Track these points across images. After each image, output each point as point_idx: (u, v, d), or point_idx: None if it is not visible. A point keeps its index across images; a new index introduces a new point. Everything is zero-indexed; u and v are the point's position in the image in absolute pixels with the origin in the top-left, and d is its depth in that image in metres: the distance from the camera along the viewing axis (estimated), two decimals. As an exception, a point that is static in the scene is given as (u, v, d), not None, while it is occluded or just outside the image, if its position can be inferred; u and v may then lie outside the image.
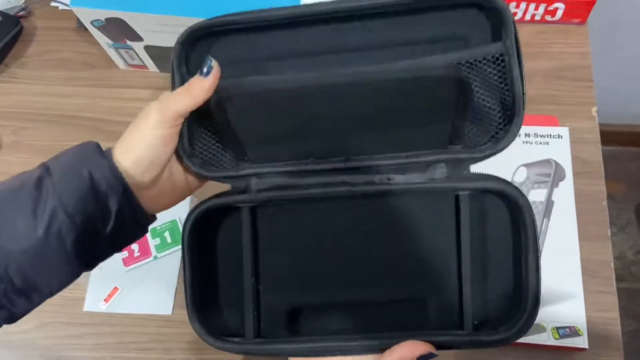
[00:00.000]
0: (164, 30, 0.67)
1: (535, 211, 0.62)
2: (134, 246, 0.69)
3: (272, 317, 0.43)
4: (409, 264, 0.42)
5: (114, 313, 0.67)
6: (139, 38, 0.70)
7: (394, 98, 0.39)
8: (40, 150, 0.74)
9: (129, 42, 0.72)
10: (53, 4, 0.84)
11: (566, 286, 0.60)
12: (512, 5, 0.74)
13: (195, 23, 0.40)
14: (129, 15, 0.66)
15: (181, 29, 0.66)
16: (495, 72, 0.38)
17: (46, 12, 0.85)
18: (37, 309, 0.67)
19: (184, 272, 0.42)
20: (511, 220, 0.41)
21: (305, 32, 0.40)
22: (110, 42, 0.73)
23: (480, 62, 0.37)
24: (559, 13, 0.75)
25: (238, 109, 0.40)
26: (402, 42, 0.40)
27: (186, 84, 0.39)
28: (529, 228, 0.39)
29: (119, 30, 0.69)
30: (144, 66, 0.78)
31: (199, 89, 0.38)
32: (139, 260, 0.68)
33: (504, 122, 0.39)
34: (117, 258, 0.68)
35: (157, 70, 0.78)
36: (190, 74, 0.40)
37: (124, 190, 0.38)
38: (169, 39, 0.70)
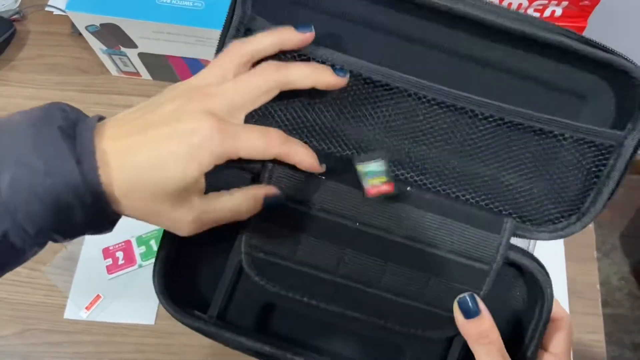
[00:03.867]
0: (159, 37, 0.67)
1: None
2: (119, 254, 0.68)
3: (243, 305, 0.40)
4: (405, 308, 0.38)
5: (95, 321, 0.66)
6: (133, 45, 0.70)
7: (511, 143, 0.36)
8: (28, 154, 0.73)
9: (123, 49, 0.72)
10: (48, 8, 0.84)
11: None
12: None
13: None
14: (124, 21, 0.66)
15: (176, 37, 0.67)
16: (591, 157, 0.35)
17: (40, 16, 0.85)
18: (16, 315, 0.66)
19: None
20: (528, 302, 0.39)
21: (416, 16, 0.36)
22: (104, 48, 0.73)
23: (585, 142, 0.35)
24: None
25: None
26: (515, 72, 0.36)
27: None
28: (544, 316, 0.37)
29: (113, 37, 0.69)
30: (137, 73, 0.78)
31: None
32: (123, 269, 0.67)
33: (568, 213, 0.37)
34: (100, 265, 0.67)
35: (150, 77, 0.78)
36: (255, 10, 0.35)
37: (96, 201, 0.29)
38: (163, 47, 0.70)
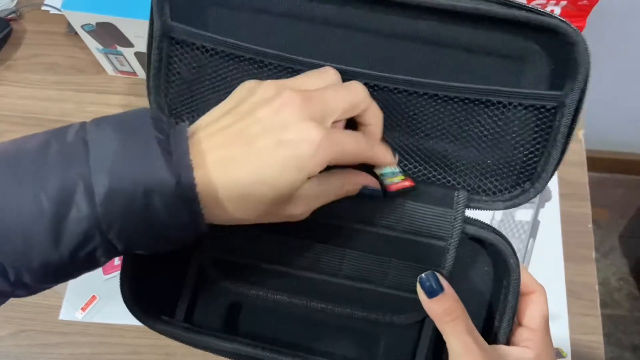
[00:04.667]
0: (155, 37, 0.67)
1: (521, 230, 0.62)
2: (115, 254, 0.67)
3: (209, 306, 0.40)
4: (370, 294, 0.38)
5: (90, 322, 0.65)
6: (129, 44, 0.70)
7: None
8: (23, 154, 0.73)
9: (119, 48, 0.71)
10: (44, 8, 0.84)
11: (550, 307, 0.60)
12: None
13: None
14: (120, 20, 0.65)
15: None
16: (535, 121, 0.35)
17: (37, 16, 0.84)
18: (11, 315, 0.66)
19: None
20: (494, 277, 0.38)
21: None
22: (100, 47, 0.72)
23: (522, 106, 0.34)
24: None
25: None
26: (449, 45, 0.35)
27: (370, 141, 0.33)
28: (512, 289, 0.36)
29: (109, 36, 0.69)
30: (133, 73, 0.77)
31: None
32: (119, 269, 0.67)
33: (521, 180, 0.37)
34: (96, 266, 0.67)
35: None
36: (175, 18, 0.35)
37: (192, 220, 0.28)
38: (159, 47, 0.69)
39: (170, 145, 0.28)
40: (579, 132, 0.72)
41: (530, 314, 0.37)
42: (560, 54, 0.34)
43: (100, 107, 0.77)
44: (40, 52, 0.82)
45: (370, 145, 0.34)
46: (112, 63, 0.76)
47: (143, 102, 0.76)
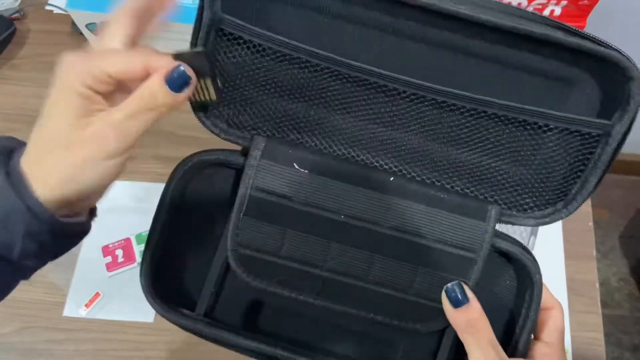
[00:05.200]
0: (160, 36, 0.67)
1: (522, 228, 0.63)
2: (118, 251, 0.68)
3: (231, 302, 0.40)
4: (395, 301, 0.38)
5: (94, 319, 0.66)
6: (133, 43, 0.70)
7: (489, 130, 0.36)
8: (28, 152, 0.73)
9: (123, 47, 0.72)
10: (48, 7, 0.84)
11: (551, 304, 0.61)
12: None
13: None
14: (124, 19, 0.66)
15: (176, 36, 0.67)
16: (577, 146, 0.35)
17: (41, 15, 0.85)
18: (15, 312, 0.66)
19: (153, 223, 0.38)
20: (517, 291, 0.39)
21: (397, 9, 0.34)
22: (104, 46, 0.73)
23: (568, 130, 0.35)
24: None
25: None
26: (502, 62, 0.35)
27: (146, 99, 0.31)
28: (534, 304, 0.37)
29: (113, 35, 0.69)
30: (136, 72, 0.78)
31: (166, 105, 0.30)
32: (123, 266, 0.67)
33: (555, 200, 0.37)
34: (100, 263, 0.67)
35: (150, 76, 0.78)
36: (226, 10, 0.35)
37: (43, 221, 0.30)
38: (164, 45, 0.69)
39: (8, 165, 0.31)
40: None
41: (548, 329, 0.38)
42: (614, 85, 0.34)
43: (104, 106, 0.77)
44: (44, 51, 0.83)
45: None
46: (115, 62, 0.76)
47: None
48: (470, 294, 0.35)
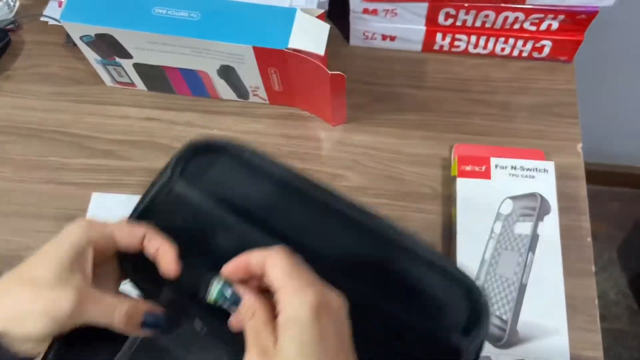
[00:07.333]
0: (154, 48, 0.67)
1: (521, 244, 0.62)
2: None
3: None
4: None
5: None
6: (128, 55, 0.70)
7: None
8: (21, 165, 0.72)
9: (117, 59, 0.71)
10: (43, 18, 0.84)
11: (550, 322, 0.60)
12: (501, 40, 0.75)
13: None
14: (119, 32, 0.65)
15: (171, 48, 0.66)
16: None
17: (35, 26, 0.84)
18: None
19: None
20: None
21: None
22: (99, 58, 0.72)
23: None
24: (546, 50, 0.76)
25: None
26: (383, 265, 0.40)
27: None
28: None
29: (108, 47, 0.69)
30: (131, 84, 0.77)
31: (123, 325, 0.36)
32: (115, 281, 0.66)
33: None
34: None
35: (145, 88, 0.78)
36: (184, 178, 0.43)
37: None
38: (159, 58, 0.69)
39: None
40: (578, 146, 0.72)
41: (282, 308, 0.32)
42: (474, 307, 0.39)
43: (98, 118, 0.77)
44: (38, 62, 0.82)
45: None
46: (110, 74, 0.76)
47: (141, 113, 0.76)
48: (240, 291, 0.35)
